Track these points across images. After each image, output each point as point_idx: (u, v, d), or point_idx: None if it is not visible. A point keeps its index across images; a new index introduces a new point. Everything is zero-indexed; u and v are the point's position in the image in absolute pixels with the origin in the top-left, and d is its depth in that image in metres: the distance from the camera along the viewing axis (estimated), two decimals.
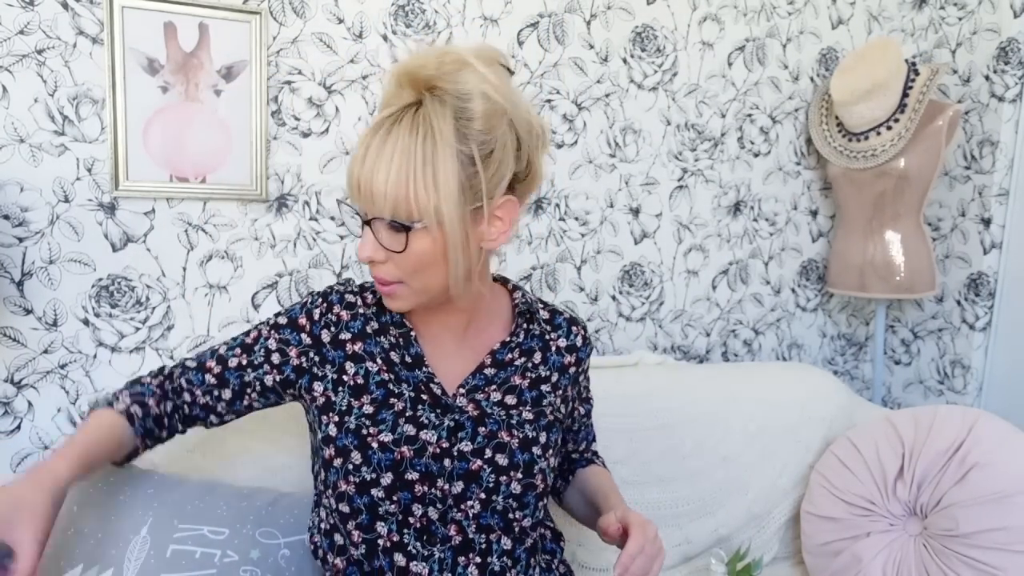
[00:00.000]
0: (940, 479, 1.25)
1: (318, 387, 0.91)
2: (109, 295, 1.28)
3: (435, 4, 1.44)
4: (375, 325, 0.93)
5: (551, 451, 0.92)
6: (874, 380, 1.94)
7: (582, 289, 1.67)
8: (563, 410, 0.99)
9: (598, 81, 1.61)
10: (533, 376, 0.96)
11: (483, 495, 0.87)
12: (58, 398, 1.27)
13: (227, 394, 0.94)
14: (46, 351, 1.25)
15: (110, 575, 0.91)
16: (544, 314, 1.01)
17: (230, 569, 0.96)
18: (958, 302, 1.90)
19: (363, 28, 1.39)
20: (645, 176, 1.69)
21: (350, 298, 0.95)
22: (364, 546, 0.87)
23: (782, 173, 1.86)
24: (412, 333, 0.93)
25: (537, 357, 0.97)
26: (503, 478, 0.87)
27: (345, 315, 0.93)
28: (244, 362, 0.94)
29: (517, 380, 0.94)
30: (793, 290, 1.94)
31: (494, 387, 0.93)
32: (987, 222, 1.83)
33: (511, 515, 0.88)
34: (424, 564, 0.86)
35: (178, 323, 1.33)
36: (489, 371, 0.93)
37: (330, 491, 0.89)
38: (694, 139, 1.73)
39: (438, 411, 0.89)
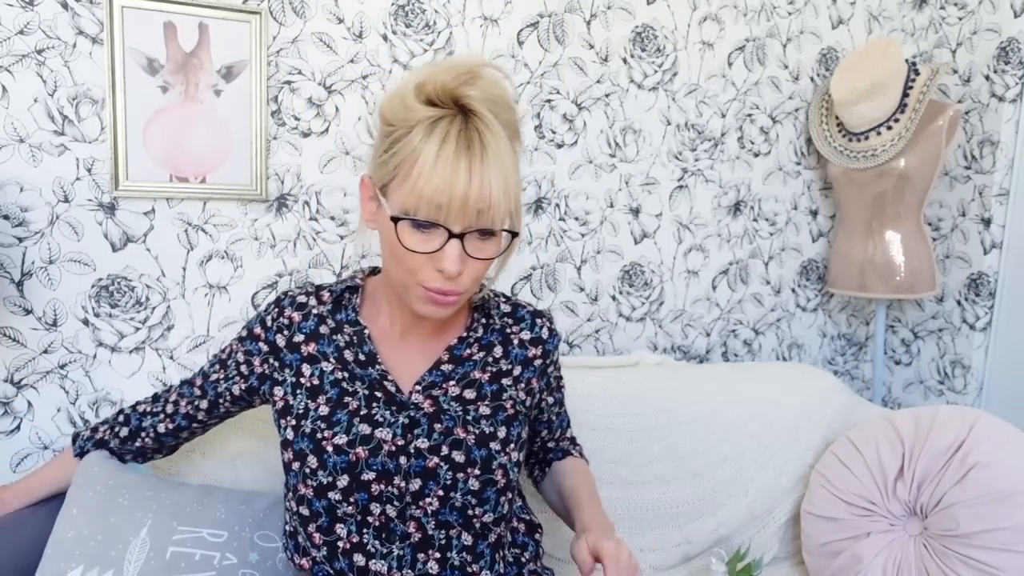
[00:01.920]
0: (940, 479, 1.25)
1: (278, 391, 0.94)
2: (109, 295, 1.28)
3: (435, 4, 1.44)
4: (331, 324, 0.94)
5: (512, 446, 0.91)
6: (874, 380, 1.94)
7: (582, 289, 1.67)
8: (528, 402, 0.98)
9: (598, 81, 1.61)
10: (494, 370, 0.95)
11: (441, 492, 0.87)
12: (58, 398, 1.27)
13: (204, 404, 1.02)
14: (46, 351, 1.25)
15: None
16: (505, 307, 1.01)
17: (229, 571, 0.97)
18: (958, 302, 1.89)
19: (363, 28, 1.39)
20: (645, 176, 1.69)
21: (302, 299, 0.96)
22: (325, 548, 0.88)
23: (782, 173, 1.86)
24: (366, 331, 0.93)
25: (498, 351, 0.97)
26: (460, 475, 0.87)
27: (296, 316, 0.95)
28: (221, 376, 1.00)
29: (477, 375, 0.94)
30: (793, 290, 1.94)
31: (452, 383, 0.93)
32: (987, 222, 1.83)
33: (470, 511, 0.88)
34: (383, 562, 0.86)
35: (178, 323, 1.33)
36: (447, 367, 0.94)
37: (291, 493, 0.90)
38: (694, 139, 1.73)
39: (393, 408, 0.89)
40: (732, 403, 1.51)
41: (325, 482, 0.86)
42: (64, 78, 1.20)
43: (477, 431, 0.89)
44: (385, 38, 1.41)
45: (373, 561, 0.86)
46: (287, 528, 0.94)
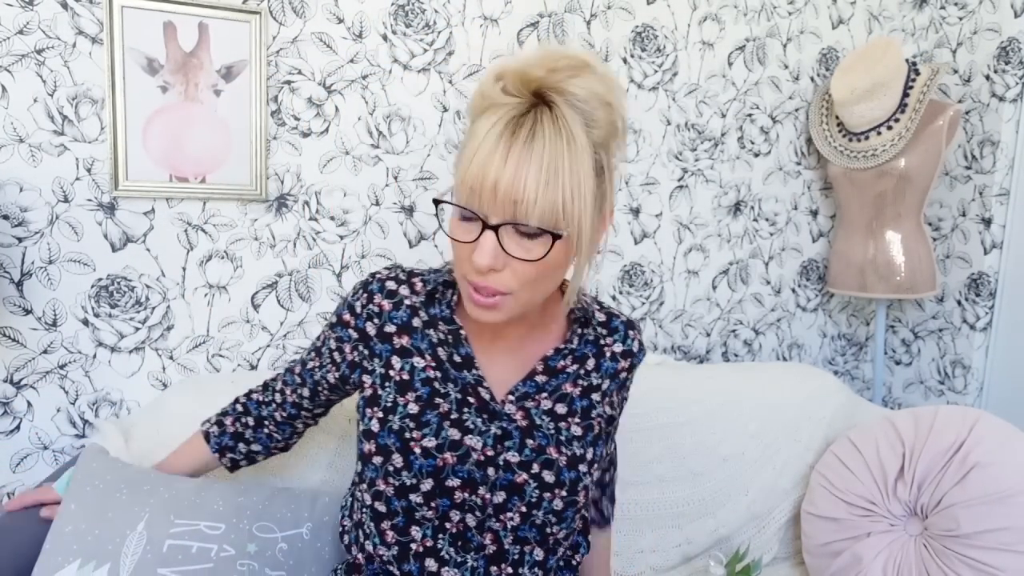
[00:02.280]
0: (941, 479, 1.25)
1: (367, 380, 0.90)
2: (109, 295, 1.28)
3: (435, 4, 1.44)
4: (424, 317, 0.89)
5: (596, 465, 0.89)
6: (874, 380, 1.94)
7: None
8: (606, 415, 0.94)
9: None
10: (585, 384, 0.91)
11: (524, 508, 0.84)
12: (57, 398, 1.27)
13: (306, 392, 1.00)
14: (45, 351, 1.25)
15: (106, 570, 0.91)
16: (600, 316, 0.95)
17: (227, 563, 0.96)
18: (959, 302, 1.89)
19: (363, 28, 1.39)
20: (645, 176, 1.69)
21: (391, 285, 0.91)
22: (396, 548, 0.85)
23: (782, 173, 1.86)
24: (462, 332, 0.88)
25: (590, 364, 0.92)
26: (547, 495, 0.84)
27: (387, 304, 0.90)
28: (316, 364, 0.97)
29: (568, 388, 0.90)
30: (793, 290, 1.94)
31: (544, 395, 0.89)
32: (987, 222, 1.82)
33: (548, 529, 0.86)
34: (456, 571, 0.84)
35: (178, 323, 1.33)
36: (540, 378, 0.89)
37: (365, 486, 0.87)
38: (694, 139, 1.73)
39: (484, 416, 0.86)
40: (732, 403, 1.51)
41: (408, 483, 0.83)
42: (64, 78, 1.21)
43: (569, 453, 0.86)
44: (385, 38, 1.41)
45: (446, 569, 0.84)
46: (353, 517, 0.92)
